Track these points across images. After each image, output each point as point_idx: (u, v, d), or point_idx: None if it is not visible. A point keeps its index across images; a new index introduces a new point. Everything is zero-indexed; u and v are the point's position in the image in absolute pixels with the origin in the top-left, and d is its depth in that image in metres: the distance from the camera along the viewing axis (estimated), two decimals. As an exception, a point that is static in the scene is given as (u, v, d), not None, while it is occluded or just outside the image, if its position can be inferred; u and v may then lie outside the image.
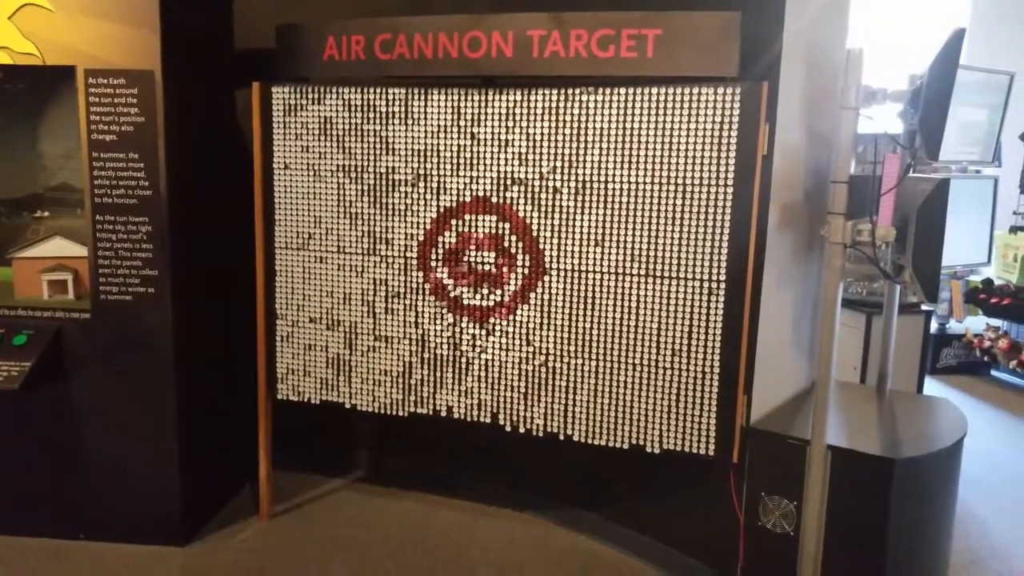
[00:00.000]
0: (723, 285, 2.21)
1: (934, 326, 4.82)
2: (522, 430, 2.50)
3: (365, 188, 2.54)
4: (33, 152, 2.77)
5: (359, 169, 2.54)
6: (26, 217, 2.74)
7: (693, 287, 2.24)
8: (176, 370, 2.55)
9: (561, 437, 2.45)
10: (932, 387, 4.52)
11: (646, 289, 2.30)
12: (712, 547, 2.50)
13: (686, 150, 2.20)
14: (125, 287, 2.52)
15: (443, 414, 2.58)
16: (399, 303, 2.58)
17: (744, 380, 2.23)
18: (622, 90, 2.24)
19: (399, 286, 2.57)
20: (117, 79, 2.42)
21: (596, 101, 2.27)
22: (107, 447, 2.59)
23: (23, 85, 2.65)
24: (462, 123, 2.42)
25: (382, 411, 2.64)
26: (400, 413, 2.63)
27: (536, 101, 2.33)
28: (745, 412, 2.25)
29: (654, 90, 2.20)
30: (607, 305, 2.35)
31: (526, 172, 2.38)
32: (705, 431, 2.28)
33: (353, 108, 2.51)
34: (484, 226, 2.46)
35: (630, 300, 2.32)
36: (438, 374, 2.57)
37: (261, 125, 2.60)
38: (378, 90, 2.47)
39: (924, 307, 3.65)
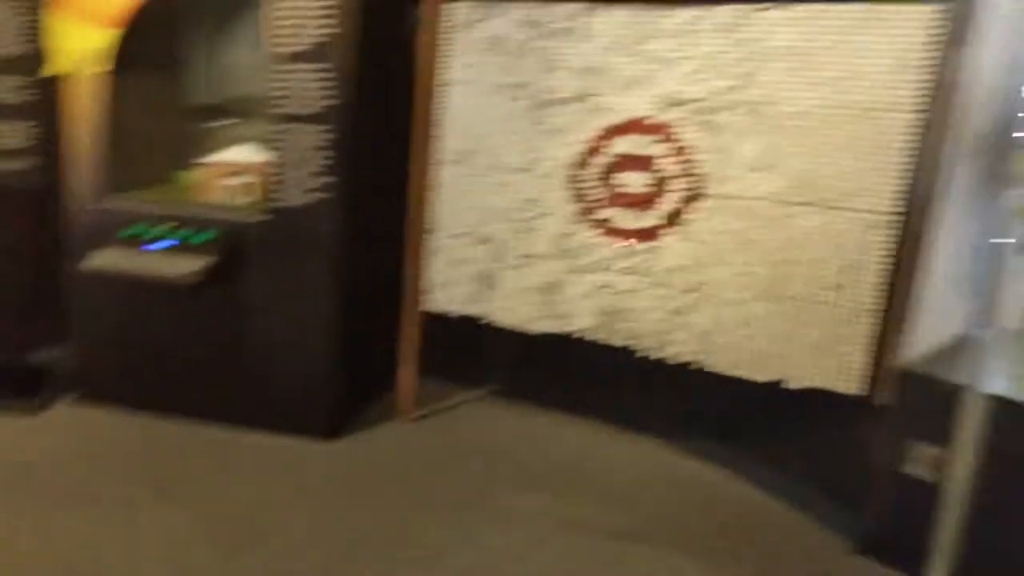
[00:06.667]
0: (891, 218, 2.14)
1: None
2: (662, 355, 2.53)
3: (527, 105, 2.61)
4: (223, 61, 2.98)
5: (523, 86, 2.60)
6: (214, 123, 2.98)
7: (858, 219, 2.18)
8: (341, 272, 2.72)
9: (704, 367, 2.47)
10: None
11: (808, 220, 2.26)
12: (848, 490, 2.47)
13: (871, 72, 2.12)
14: (302, 192, 2.66)
15: (583, 335, 2.66)
16: (549, 221, 2.65)
17: (902, 319, 2.17)
18: (803, 6, 2.18)
19: (550, 205, 2.64)
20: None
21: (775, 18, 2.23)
22: (272, 339, 2.80)
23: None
24: (630, 41, 2.43)
25: (522, 327, 2.75)
26: (539, 330, 2.72)
27: (712, 17, 2.31)
28: (898, 353, 2.19)
29: (841, 7, 2.13)
30: (764, 234, 2.33)
31: (694, 92, 2.37)
32: (854, 370, 2.24)
33: (522, 25, 2.56)
34: (642, 148, 2.47)
35: (790, 230, 2.29)
36: (580, 293, 2.64)
37: (430, 40, 2.69)
38: (547, 7, 2.52)
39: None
